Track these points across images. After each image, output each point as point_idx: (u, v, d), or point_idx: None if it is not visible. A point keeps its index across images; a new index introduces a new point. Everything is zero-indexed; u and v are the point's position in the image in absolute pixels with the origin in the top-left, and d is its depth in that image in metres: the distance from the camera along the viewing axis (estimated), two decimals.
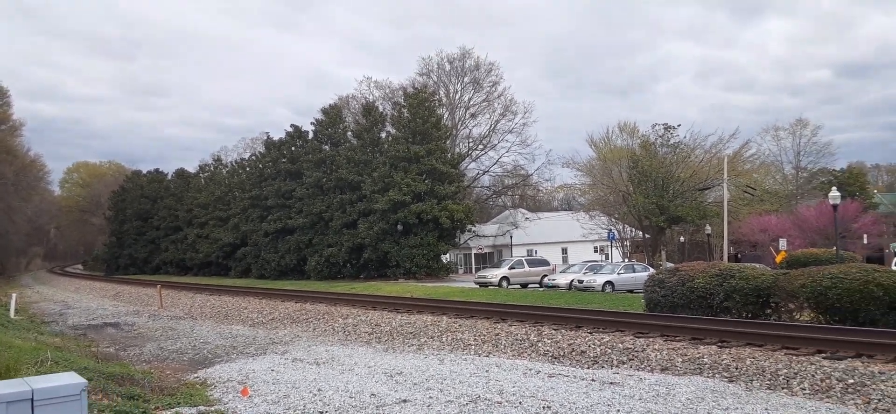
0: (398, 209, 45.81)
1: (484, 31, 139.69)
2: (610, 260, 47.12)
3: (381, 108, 55.44)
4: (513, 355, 12.84)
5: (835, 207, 28.50)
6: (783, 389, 8.89)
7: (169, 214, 77.32)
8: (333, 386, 10.60)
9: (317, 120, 55.64)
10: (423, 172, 47.22)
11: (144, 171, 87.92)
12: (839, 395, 8.41)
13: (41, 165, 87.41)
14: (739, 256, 50.49)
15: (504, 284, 35.72)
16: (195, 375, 12.82)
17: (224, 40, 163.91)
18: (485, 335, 14.40)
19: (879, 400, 8.05)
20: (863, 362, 9.22)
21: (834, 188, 30.79)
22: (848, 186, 58.14)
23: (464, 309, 17.84)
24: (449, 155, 52.14)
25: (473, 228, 53.57)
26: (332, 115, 55.55)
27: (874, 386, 8.29)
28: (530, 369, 11.19)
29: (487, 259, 61.63)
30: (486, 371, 11.17)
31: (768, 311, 17.59)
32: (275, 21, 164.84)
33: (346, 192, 50.30)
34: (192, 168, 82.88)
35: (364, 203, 48.39)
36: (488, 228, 64.54)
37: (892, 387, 8.14)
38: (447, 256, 54.89)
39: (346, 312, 20.62)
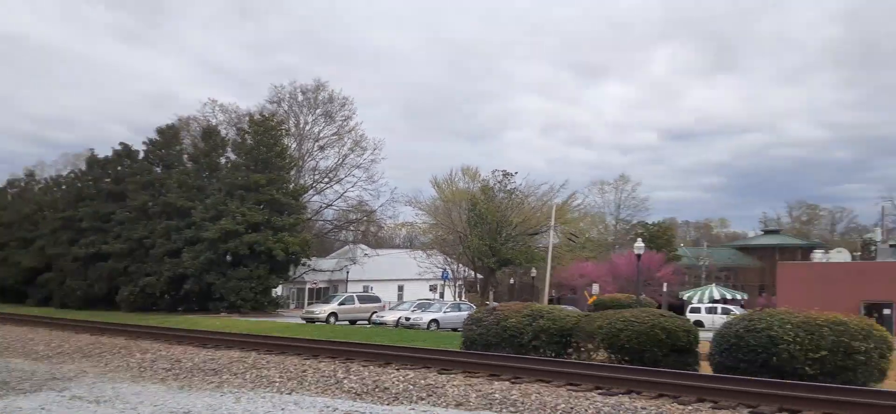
0: (230, 239, 43.65)
1: (347, 69, 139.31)
2: (443, 299, 48.09)
3: (224, 133, 53.01)
4: (316, 393, 12.50)
5: (638, 256, 31.32)
6: None
7: None
8: None
9: (150, 140, 51.91)
10: (261, 202, 45.58)
11: None
12: None
13: None
14: (560, 298, 53.73)
15: (332, 320, 35.11)
16: None
17: (61, 49, 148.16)
18: (292, 372, 13.92)
19: None
20: (630, 398, 10.00)
21: (639, 239, 33.84)
22: (657, 239, 64.27)
23: (276, 345, 17.17)
24: (292, 186, 50.90)
25: (309, 262, 52.36)
26: (169, 135, 52.09)
27: None
28: (328, 407, 10.92)
29: (322, 294, 60.39)
30: (281, 410, 10.74)
31: (570, 350, 18.74)
32: (121, 35, 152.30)
33: (174, 219, 47.11)
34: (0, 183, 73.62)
35: (192, 231, 45.57)
36: (326, 263, 63.46)
37: None
38: (279, 290, 53.05)
39: (146, 346, 19.05)
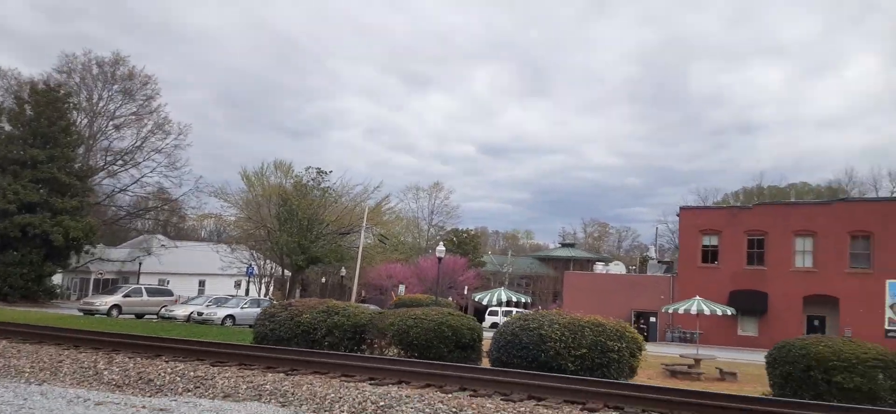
0: None
1: (157, 44, 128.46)
2: (246, 295, 46.34)
3: (0, 100, 46.52)
4: (72, 384, 11.43)
5: (440, 259, 32.69)
6: (327, 411, 9.49)
7: None
8: None
9: None
10: (39, 180, 40.70)
11: None
12: None
13: None
14: (367, 297, 54.29)
15: (114, 313, 32.31)
16: None
17: None
18: (45, 362, 12.59)
19: None
20: (398, 387, 10.39)
21: (440, 244, 35.31)
22: (464, 246, 67.49)
23: (34, 334, 15.43)
24: (78, 165, 46.01)
25: (94, 250, 47.68)
26: None
27: (398, 407, 9.35)
28: (79, 397, 10.04)
29: (108, 286, 55.39)
30: (24, 400, 9.67)
31: (364, 346, 19.02)
32: None
33: None
34: None
35: None
36: (117, 253, 58.22)
37: (411, 408, 9.28)
38: (58, 279, 47.77)
39: None
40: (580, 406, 9.66)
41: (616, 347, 15.40)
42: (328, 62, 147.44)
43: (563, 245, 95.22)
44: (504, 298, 36.24)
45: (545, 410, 9.31)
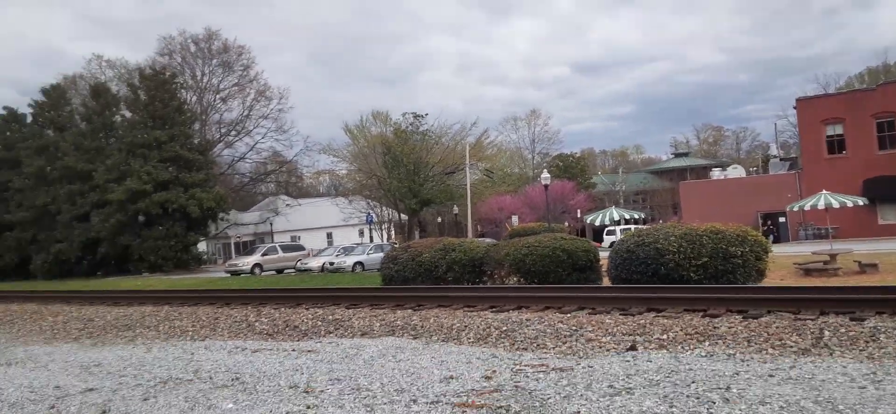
0: (138, 199, 42.45)
1: (243, 14, 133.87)
2: (371, 242, 48.65)
3: (115, 90, 50.72)
4: (228, 337, 12.89)
5: (546, 187, 32.76)
6: (454, 340, 10.20)
7: None
8: (17, 384, 9.77)
9: (36, 102, 49.17)
10: (166, 159, 44.31)
11: None
12: (494, 340, 9.90)
13: None
14: (484, 232, 55.38)
15: (257, 271, 35.13)
16: None
17: None
18: (204, 320, 14.22)
19: (521, 341, 9.65)
20: (518, 313, 10.91)
21: (545, 171, 35.31)
22: (571, 170, 66.75)
23: (190, 297, 17.33)
24: (197, 140, 49.59)
25: (228, 217, 51.64)
26: (55, 96, 49.48)
27: (520, 330, 9.89)
28: (238, 347, 11.36)
29: (247, 248, 59.88)
30: (192, 354, 11.10)
31: (484, 278, 19.79)
32: None
33: (76, 183, 45.28)
34: None
35: (97, 193, 44.02)
36: (249, 216, 62.68)
37: (532, 330, 9.79)
38: (202, 246, 52.23)
39: (58, 309, 18.81)
40: (701, 313, 9.75)
41: (739, 252, 15.10)
42: (409, 6, 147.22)
43: (676, 155, 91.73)
44: (616, 217, 35.81)
45: (665, 320, 9.51)
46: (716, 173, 55.04)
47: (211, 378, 8.88)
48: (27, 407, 8.08)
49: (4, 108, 50.41)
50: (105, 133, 46.64)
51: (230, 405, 7.28)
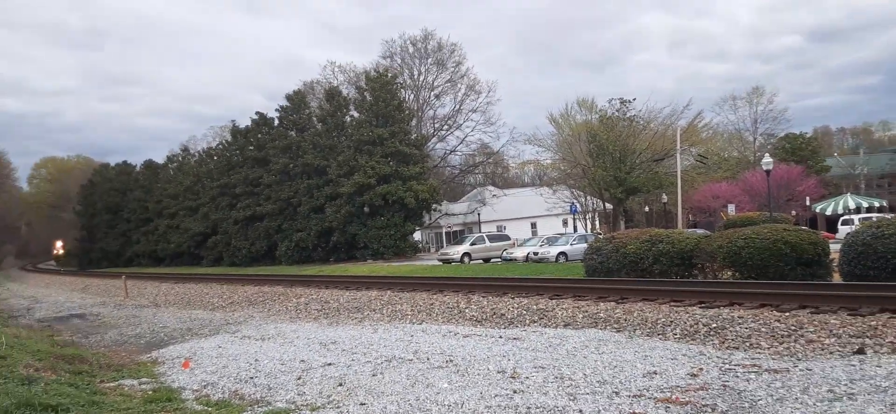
0: (364, 192, 46.73)
1: (453, 10, 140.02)
2: (574, 232, 48.54)
3: (345, 92, 56.15)
4: (442, 322, 13.95)
5: (768, 172, 30.03)
6: (659, 335, 10.09)
7: (139, 205, 77.41)
8: (270, 357, 11.59)
9: (281, 107, 56.21)
10: (387, 155, 48.12)
11: (113, 164, 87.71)
12: (703, 337, 9.64)
13: (6, 163, 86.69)
14: (696, 222, 52.27)
15: (466, 259, 36.91)
16: (148, 355, 13.73)
17: (191, 26, 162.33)
18: (421, 305, 15.51)
19: (733, 339, 9.29)
20: (730, 309, 10.45)
21: (766, 155, 32.40)
22: (799, 152, 60.19)
23: (408, 283, 18.93)
24: (414, 136, 53.11)
25: (440, 207, 54.68)
26: (297, 100, 56.11)
27: (731, 328, 9.51)
28: (451, 332, 12.31)
29: (457, 237, 62.98)
30: (411, 336, 12.26)
31: (695, 271, 18.96)
32: (243, 4, 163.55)
33: (313, 178, 51.08)
34: (160, 159, 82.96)
35: (330, 187, 49.25)
36: (458, 207, 65.72)
37: (745, 328, 9.36)
38: (417, 235, 55.97)
39: (300, 292, 21.62)
40: None
41: None
42: None
43: None
44: (852, 205, 31.78)
45: None
46: None
47: (428, 359, 9.82)
48: (279, 377, 9.61)
49: (257, 113, 58.58)
50: (337, 132, 52.03)
51: (445, 385, 8.05)
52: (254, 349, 12.68)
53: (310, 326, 15.80)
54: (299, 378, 9.35)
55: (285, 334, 14.39)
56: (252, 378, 9.75)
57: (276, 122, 56.77)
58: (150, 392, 9.00)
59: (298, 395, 8.21)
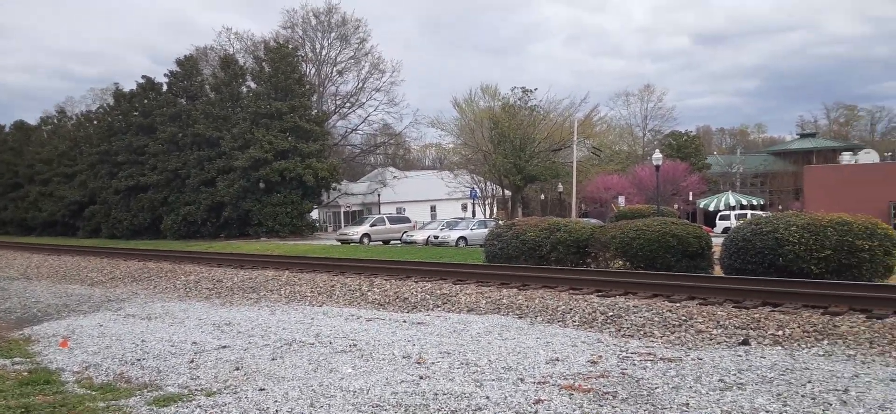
0: (260, 167, 45.06)
1: None
2: (473, 217, 49.24)
3: (241, 62, 53.72)
4: (344, 304, 13.67)
5: (657, 167, 31.73)
6: (559, 322, 10.35)
7: (7, 169, 70.92)
8: (158, 337, 10.90)
9: (171, 72, 53.00)
10: (285, 129, 46.61)
11: None
12: (600, 325, 9.97)
13: None
14: (588, 211, 54.49)
15: (365, 240, 36.53)
16: (20, 333, 12.59)
17: None
18: (321, 287, 15.13)
19: (628, 327, 9.67)
20: (625, 298, 10.89)
21: (656, 151, 34.23)
22: (684, 149, 64.13)
23: (308, 264, 18.42)
24: (314, 112, 51.74)
25: (340, 187, 53.74)
26: (188, 66, 53.10)
27: (626, 317, 9.89)
28: (353, 315, 12.08)
29: (356, 217, 62.11)
30: (312, 319, 11.92)
31: (589, 260, 19.65)
32: None
33: (204, 149, 48.65)
34: (33, 120, 76.23)
35: (223, 160, 47.11)
36: (358, 187, 64.94)
37: (639, 317, 9.76)
38: (315, 214, 54.77)
39: (189, 269, 20.55)
40: (821, 310, 9.37)
41: (866, 247, 14.18)
42: None
43: (803, 135, 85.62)
44: (732, 202, 34.19)
45: (781, 316, 9.22)
46: (846, 157, 51.11)
47: (331, 343, 9.56)
48: (169, 360, 9.05)
49: (143, 77, 54.81)
50: (232, 103, 49.69)
51: (349, 370, 7.85)
52: (140, 329, 11.89)
53: (201, 305, 15.04)
54: (192, 361, 8.84)
55: (174, 314, 13.61)
56: (139, 360, 9.12)
57: (165, 87, 53.48)
58: (25, 374, 8.22)
59: (191, 379, 7.75)
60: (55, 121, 71.43)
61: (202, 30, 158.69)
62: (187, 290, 17.74)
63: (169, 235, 48.42)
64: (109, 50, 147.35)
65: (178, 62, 53.27)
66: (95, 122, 61.86)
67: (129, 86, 57.53)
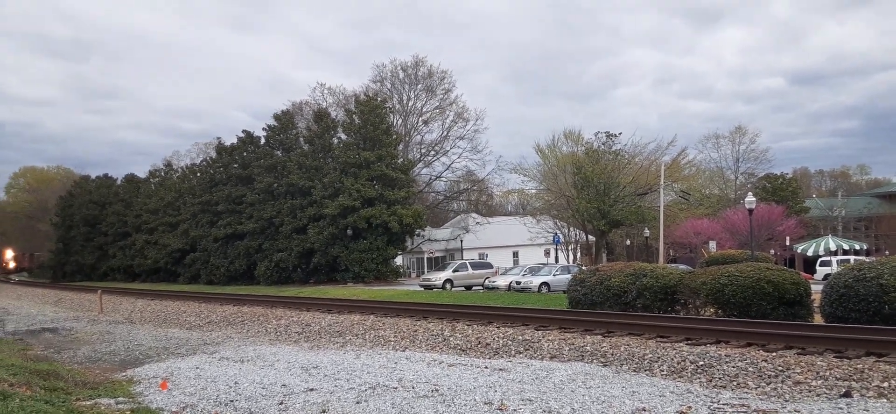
0: (348, 214, 46.46)
1: (446, 36, 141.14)
2: (557, 262, 48.57)
3: (333, 115, 56.07)
4: (426, 349, 13.78)
5: (750, 211, 30.37)
6: (646, 371, 10.03)
7: (118, 219, 76.26)
8: (250, 379, 11.35)
9: (269, 126, 55.98)
10: (373, 178, 48.00)
11: (94, 176, 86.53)
12: (690, 374, 9.60)
13: None
14: (676, 257, 52.57)
15: (447, 286, 36.69)
16: (123, 374, 13.40)
17: (178, 42, 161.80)
18: (404, 332, 15.33)
19: (720, 378, 9.26)
20: (717, 347, 10.44)
21: (749, 194, 32.81)
22: (780, 192, 61.07)
23: (392, 309, 18.72)
24: (400, 160, 53.07)
25: (423, 233, 54.47)
26: (285, 120, 55.94)
27: (718, 366, 9.48)
28: (436, 361, 12.15)
29: (439, 263, 62.62)
30: (395, 363, 12.09)
31: (677, 307, 18.97)
32: (231, 22, 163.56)
33: (297, 198, 50.71)
34: (143, 173, 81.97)
35: (314, 208, 48.90)
36: (441, 233, 65.56)
37: (732, 367, 9.34)
38: (399, 259, 55.65)
39: (280, 313, 21.30)
40: None
41: None
42: (606, 17, 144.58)
43: None
44: (832, 246, 32.19)
45: (887, 367, 8.60)
46: None
47: (413, 388, 9.66)
48: (260, 402, 9.40)
49: (243, 131, 58.17)
50: (324, 154, 51.82)
51: None
52: (233, 371, 12.42)
53: (290, 349, 15.55)
54: (281, 403, 9.15)
55: (265, 357, 14.13)
56: (232, 401, 9.53)
57: (263, 140, 56.46)
58: (128, 412, 8.75)
59: None
60: (162, 174, 76.41)
61: (298, 86, 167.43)
62: (278, 333, 18.38)
63: (262, 281, 50.44)
64: (212, 107, 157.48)
65: (276, 116, 56.24)
66: (198, 174, 65.76)
67: (229, 140, 61.18)
